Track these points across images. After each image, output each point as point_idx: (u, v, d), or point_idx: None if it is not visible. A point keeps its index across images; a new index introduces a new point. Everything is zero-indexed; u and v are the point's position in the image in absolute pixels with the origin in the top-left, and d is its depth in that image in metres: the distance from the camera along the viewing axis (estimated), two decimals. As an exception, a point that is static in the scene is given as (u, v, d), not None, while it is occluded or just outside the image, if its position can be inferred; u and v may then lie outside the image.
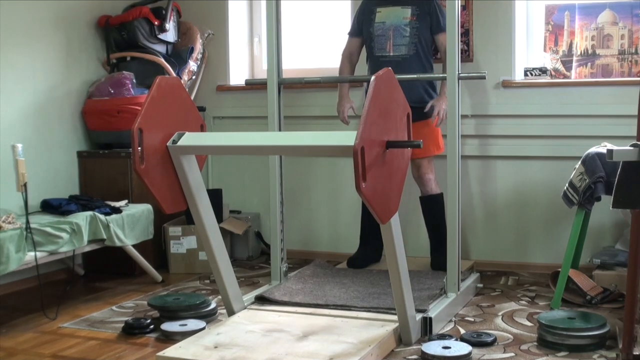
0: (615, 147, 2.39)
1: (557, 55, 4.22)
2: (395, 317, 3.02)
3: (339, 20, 4.73)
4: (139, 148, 2.73)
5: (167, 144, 2.87)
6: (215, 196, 4.37)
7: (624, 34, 4.10)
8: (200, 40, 4.74)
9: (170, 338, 3.10)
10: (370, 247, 4.16)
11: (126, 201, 4.16)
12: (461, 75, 3.37)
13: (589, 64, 4.17)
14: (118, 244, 3.87)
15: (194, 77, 4.74)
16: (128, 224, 3.94)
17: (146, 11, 4.48)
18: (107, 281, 4.18)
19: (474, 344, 2.90)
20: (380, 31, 3.95)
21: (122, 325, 3.28)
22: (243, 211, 4.84)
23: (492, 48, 4.26)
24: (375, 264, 4.12)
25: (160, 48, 4.60)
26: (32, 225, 3.43)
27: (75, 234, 3.62)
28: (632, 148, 2.26)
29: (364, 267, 4.09)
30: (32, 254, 3.40)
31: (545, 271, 3.97)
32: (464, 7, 4.22)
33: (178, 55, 4.66)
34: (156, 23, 4.51)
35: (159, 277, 4.17)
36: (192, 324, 3.20)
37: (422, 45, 3.91)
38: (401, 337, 2.99)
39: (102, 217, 3.79)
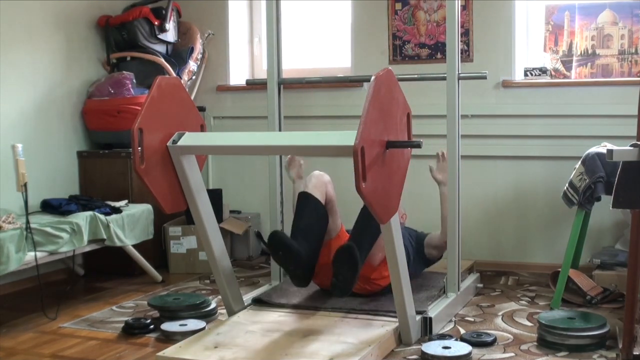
0: (615, 147, 2.40)
1: (557, 55, 4.23)
2: (394, 319, 3.02)
3: (339, 20, 4.74)
4: (139, 148, 2.73)
5: (167, 144, 2.87)
6: (215, 196, 4.37)
7: (624, 34, 4.10)
8: (200, 40, 4.74)
9: (170, 338, 3.10)
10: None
11: (126, 201, 4.15)
12: (461, 75, 3.36)
13: (589, 64, 4.17)
14: (118, 244, 3.87)
15: (194, 77, 4.74)
16: (128, 224, 3.93)
17: (146, 11, 4.48)
18: (107, 281, 4.18)
19: (474, 344, 2.90)
20: None
21: (122, 325, 3.28)
22: (243, 211, 4.84)
23: (492, 48, 4.26)
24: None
25: (160, 48, 4.60)
26: (32, 225, 3.43)
27: (75, 234, 3.61)
28: (632, 148, 2.26)
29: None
30: (32, 254, 3.39)
31: (545, 271, 3.97)
32: (464, 7, 4.22)
33: (178, 55, 4.66)
34: (156, 23, 4.51)
35: (159, 277, 4.17)
36: (192, 324, 3.20)
37: None
38: (401, 337, 2.98)
39: (102, 217, 3.79)
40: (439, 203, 3.65)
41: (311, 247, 3.15)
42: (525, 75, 4.24)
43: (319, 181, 3.36)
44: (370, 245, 3.19)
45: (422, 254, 3.62)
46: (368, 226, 3.15)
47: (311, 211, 3.28)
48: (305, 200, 3.31)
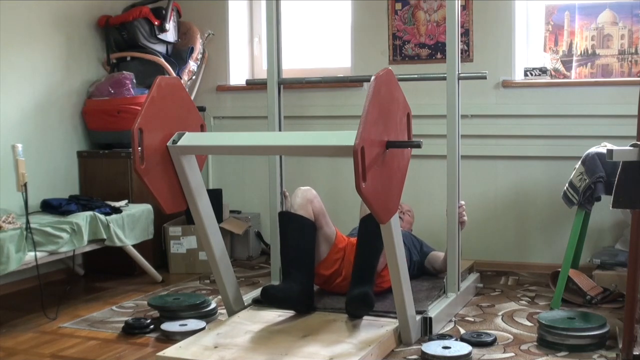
0: (615, 147, 2.40)
1: (557, 55, 4.22)
2: (394, 319, 3.02)
3: (339, 20, 4.74)
4: (139, 148, 2.73)
5: (167, 144, 2.87)
6: (215, 196, 4.37)
7: (624, 34, 4.10)
8: (200, 40, 4.74)
9: (170, 338, 3.10)
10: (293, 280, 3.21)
11: (126, 201, 4.15)
12: (461, 75, 3.36)
13: (589, 64, 4.17)
14: (118, 244, 3.87)
15: (194, 77, 4.74)
16: (128, 224, 3.94)
17: (146, 11, 4.48)
18: (107, 281, 4.18)
19: (474, 344, 2.90)
20: None
21: (122, 325, 3.28)
22: (243, 211, 4.84)
23: (492, 48, 4.26)
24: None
25: (160, 48, 4.60)
26: (32, 225, 3.43)
27: (75, 234, 3.62)
28: (632, 148, 2.27)
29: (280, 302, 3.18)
30: (32, 254, 3.40)
31: (545, 271, 3.97)
32: (464, 7, 4.22)
33: (178, 55, 4.66)
34: (156, 23, 4.51)
35: (159, 277, 4.17)
36: (192, 324, 3.20)
37: None
38: (401, 337, 2.98)
39: (102, 217, 3.79)
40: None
41: (305, 276, 3.23)
42: (525, 75, 4.24)
43: (304, 199, 3.35)
44: (376, 265, 3.20)
45: (422, 264, 3.77)
46: (372, 244, 3.15)
47: (297, 232, 3.30)
48: (287, 221, 3.34)
